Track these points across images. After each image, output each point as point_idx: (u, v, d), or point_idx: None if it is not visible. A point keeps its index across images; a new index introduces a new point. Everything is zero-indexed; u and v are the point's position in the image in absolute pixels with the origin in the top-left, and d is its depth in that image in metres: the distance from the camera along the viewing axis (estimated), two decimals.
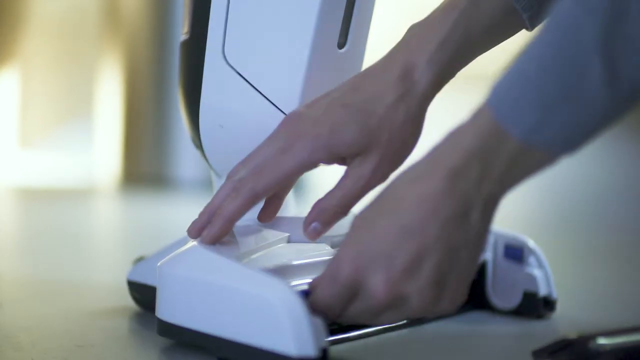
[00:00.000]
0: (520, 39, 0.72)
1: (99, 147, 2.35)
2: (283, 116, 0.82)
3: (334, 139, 0.77)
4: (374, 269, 0.68)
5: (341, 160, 0.79)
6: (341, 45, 0.85)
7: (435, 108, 0.84)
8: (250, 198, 0.77)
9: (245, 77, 0.83)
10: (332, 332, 0.79)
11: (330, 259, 0.71)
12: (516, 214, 1.75)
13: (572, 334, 0.73)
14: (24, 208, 1.83)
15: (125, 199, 1.96)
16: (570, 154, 0.66)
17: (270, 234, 0.82)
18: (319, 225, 0.79)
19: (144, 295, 0.90)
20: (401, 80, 0.78)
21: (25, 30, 2.41)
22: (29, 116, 2.43)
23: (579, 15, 0.62)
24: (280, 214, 0.84)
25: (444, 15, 0.79)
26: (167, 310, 0.76)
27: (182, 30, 0.88)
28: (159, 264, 0.77)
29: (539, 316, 0.92)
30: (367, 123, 0.77)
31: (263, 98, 0.83)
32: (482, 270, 0.93)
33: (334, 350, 0.78)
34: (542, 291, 0.92)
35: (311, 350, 0.68)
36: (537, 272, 0.92)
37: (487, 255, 0.93)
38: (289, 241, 0.83)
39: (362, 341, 0.82)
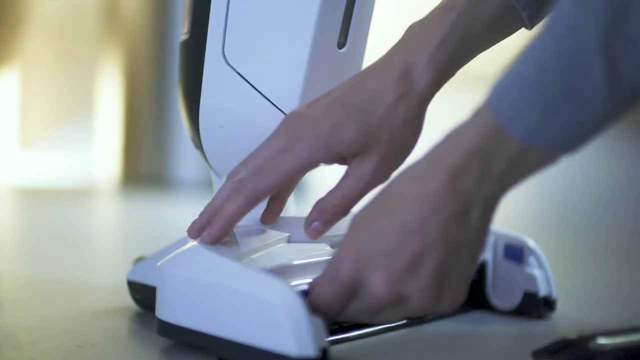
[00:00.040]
0: (520, 38, 0.72)
1: (99, 147, 2.35)
2: (283, 116, 0.82)
3: (334, 139, 0.77)
4: (374, 268, 0.68)
5: (341, 160, 0.79)
6: (341, 45, 0.85)
7: (435, 108, 0.84)
8: (251, 199, 0.77)
9: (245, 77, 0.83)
10: (332, 332, 0.79)
11: (330, 259, 0.71)
12: (516, 214, 1.75)
13: (572, 334, 0.73)
14: (24, 208, 1.83)
15: (125, 199, 1.96)
16: (570, 154, 0.66)
17: (270, 234, 0.82)
18: (320, 225, 0.79)
19: (144, 295, 0.90)
20: (401, 79, 0.78)
21: (25, 30, 2.41)
22: (29, 116, 2.43)
23: (580, 15, 0.62)
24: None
25: (443, 14, 0.79)
26: (167, 310, 0.76)
27: (182, 30, 0.88)
28: (159, 264, 0.77)
29: (539, 316, 0.92)
30: (367, 123, 0.77)
31: (263, 98, 0.83)
32: (482, 270, 0.93)
33: (334, 350, 0.78)
34: (542, 291, 0.92)
35: (311, 350, 0.68)
36: (537, 272, 0.92)
37: (487, 255, 0.93)
38: (289, 241, 0.83)
39: (362, 341, 0.82)
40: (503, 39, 0.82)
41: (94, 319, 0.90)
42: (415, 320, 0.87)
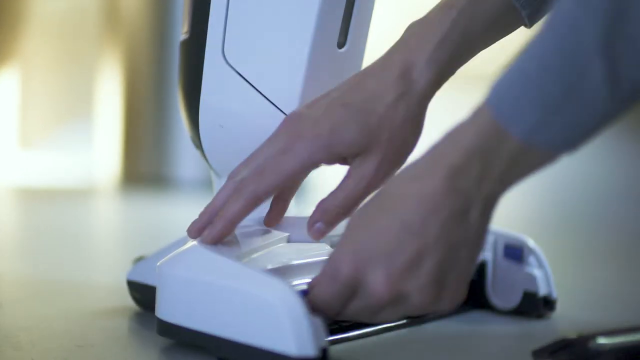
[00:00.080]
0: (519, 37, 0.72)
1: (99, 147, 2.35)
2: (283, 116, 0.82)
3: (334, 139, 0.77)
4: (374, 267, 0.68)
5: (342, 160, 0.79)
6: (341, 44, 0.85)
7: (435, 108, 0.84)
8: (252, 200, 0.77)
9: (245, 77, 0.83)
10: (332, 332, 0.79)
11: (327, 258, 0.71)
12: (516, 214, 1.75)
13: (572, 333, 0.73)
14: (24, 208, 1.83)
15: (125, 199, 1.96)
16: (570, 153, 0.66)
17: (270, 234, 0.82)
18: (323, 226, 0.79)
19: (143, 295, 0.90)
20: (401, 79, 0.78)
21: (25, 30, 2.41)
22: (29, 116, 2.43)
23: (580, 15, 0.62)
24: None
25: (442, 13, 0.79)
26: (167, 310, 0.76)
27: (182, 30, 0.88)
28: (158, 264, 0.77)
29: (539, 316, 0.92)
30: (367, 122, 0.77)
31: (263, 98, 0.83)
32: (482, 270, 0.93)
33: (334, 350, 0.78)
34: (542, 291, 0.92)
35: (311, 350, 0.68)
36: (537, 272, 0.92)
37: (487, 255, 0.93)
38: (288, 241, 0.83)
39: (362, 341, 0.82)
40: (503, 37, 0.82)
41: (94, 319, 0.90)
42: (415, 320, 0.87)
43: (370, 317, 0.71)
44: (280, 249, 0.81)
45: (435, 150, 0.68)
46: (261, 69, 0.83)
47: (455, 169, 0.66)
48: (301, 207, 0.87)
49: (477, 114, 0.66)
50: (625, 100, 0.63)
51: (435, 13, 0.80)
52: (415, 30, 0.80)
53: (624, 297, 1.09)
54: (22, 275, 1.13)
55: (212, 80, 0.84)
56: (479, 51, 0.81)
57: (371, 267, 0.68)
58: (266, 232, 0.83)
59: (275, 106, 0.83)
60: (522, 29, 0.82)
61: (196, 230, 0.79)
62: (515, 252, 0.92)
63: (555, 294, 0.92)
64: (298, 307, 0.68)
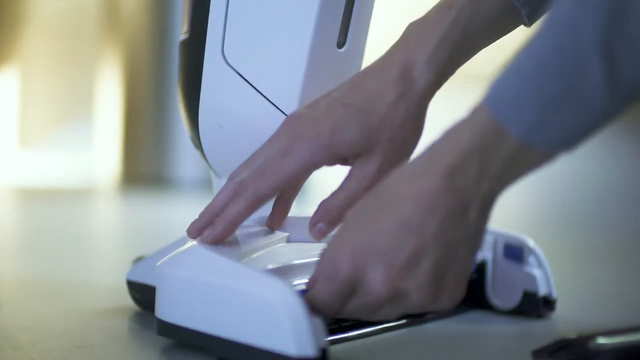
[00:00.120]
0: (520, 36, 0.72)
1: (99, 147, 2.35)
2: (283, 116, 0.82)
3: (334, 139, 0.77)
4: (373, 266, 0.68)
5: (343, 161, 0.79)
6: (341, 44, 0.85)
7: (436, 107, 0.84)
8: (254, 201, 0.77)
9: (245, 77, 0.83)
10: (332, 332, 0.79)
11: (322, 254, 0.71)
12: (516, 214, 1.75)
13: (572, 333, 0.73)
14: (24, 208, 1.83)
15: (125, 199, 1.96)
16: (568, 152, 0.66)
17: (270, 234, 0.82)
18: (324, 226, 0.79)
19: (143, 295, 0.90)
20: (401, 79, 0.78)
21: (25, 30, 2.41)
22: (29, 116, 2.43)
23: (579, 14, 0.62)
24: None
25: (442, 13, 0.79)
26: (167, 310, 0.76)
27: (181, 30, 0.88)
28: (158, 264, 0.77)
29: (539, 316, 0.92)
30: (368, 123, 0.77)
31: (263, 98, 0.83)
32: (481, 270, 0.93)
33: (334, 350, 0.78)
34: (542, 291, 0.92)
35: (311, 350, 0.68)
36: (536, 272, 0.92)
37: (487, 255, 0.93)
38: (288, 241, 0.83)
39: (361, 341, 0.82)
40: (502, 36, 0.82)
41: (94, 319, 0.90)
42: (415, 320, 0.87)
43: (369, 315, 0.71)
44: (280, 249, 0.81)
45: (433, 149, 0.68)
46: (261, 69, 0.83)
47: (454, 168, 0.66)
48: (301, 207, 0.86)
49: (476, 113, 0.66)
50: (624, 100, 0.63)
51: (435, 13, 0.80)
52: (415, 29, 0.80)
53: (624, 297, 1.09)
54: (22, 275, 1.13)
55: (212, 80, 0.84)
56: (478, 50, 0.81)
57: (370, 266, 0.68)
58: (266, 232, 0.83)
59: (275, 106, 0.83)
60: (521, 28, 0.82)
61: (196, 231, 0.79)
62: (515, 252, 0.92)
63: (555, 294, 0.92)
64: (298, 307, 0.68)
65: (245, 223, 0.81)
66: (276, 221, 0.83)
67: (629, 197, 2.20)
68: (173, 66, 2.02)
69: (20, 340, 0.81)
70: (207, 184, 1.69)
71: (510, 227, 0.96)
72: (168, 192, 1.98)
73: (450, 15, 0.79)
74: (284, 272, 0.77)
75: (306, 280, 0.74)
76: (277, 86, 0.83)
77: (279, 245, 0.82)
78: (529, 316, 0.92)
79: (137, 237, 1.53)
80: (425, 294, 0.68)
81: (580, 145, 0.65)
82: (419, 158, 0.69)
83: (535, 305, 0.92)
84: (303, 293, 0.71)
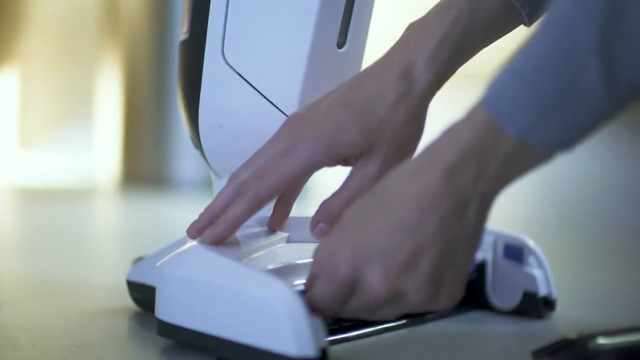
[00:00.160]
0: (520, 36, 0.72)
1: (99, 147, 2.35)
2: (283, 116, 0.82)
3: (335, 140, 0.77)
4: (372, 265, 0.68)
5: (344, 162, 0.79)
6: (340, 45, 0.85)
7: (436, 107, 0.84)
8: (255, 202, 0.77)
9: (245, 77, 0.83)
10: (332, 332, 0.79)
11: (315, 253, 0.71)
12: (516, 214, 1.75)
13: (572, 334, 0.73)
14: (24, 208, 1.83)
15: (125, 199, 1.96)
16: (566, 152, 0.66)
17: (270, 234, 0.82)
18: (325, 226, 0.79)
19: (143, 295, 0.90)
20: (401, 79, 0.78)
21: (25, 30, 2.41)
22: (29, 116, 2.43)
23: (576, 15, 0.62)
24: None
25: (442, 13, 0.79)
26: (167, 310, 0.76)
27: (181, 30, 0.88)
28: (158, 264, 0.77)
29: (539, 316, 0.92)
30: (368, 123, 0.77)
31: (262, 98, 0.83)
32: (482, 270, 0.93)
33: (334, 350, 0.78)
34: (542, 291, 0.92)
35: (311, 350, 0.68)
36: (536, 272, 0.92)
37: (487, 255, 0.93)
38: (288, 241, 0.83)
39: (361, 341, 0.82)
40: (502, 36, 0.82)
41: (93, 319, 0.90)
42: (415, 320, 0.87)
43: (369, 315, 0.71)
44: (280, 249, 0.81)
45: (431, 149, 0.68)
46: (261, 69, 0.83)
47: (452, 167, 0.66)
48: (301, 207, 0.86)
49: (474, 113, 0.66)
50: (622, 100, 0.63)
51: (435, 13, 0.80)
52: (415, 30, 0.80)
53: (624, 297, 1.09)
54: (22, 275, 1.13)
55: (212, 81, 0.84)
56: (478, 50, 0.81)
57: (369, 266, 0.68)
58: (266, 232, 0.83)
59: (275, 106, 0.83)
60: (521, 27, 0.82)
61: (196, 231, 0.79)
62: (515, 252, 0.92)
63: (555, 294, 0.92)
64: (298, 307, 0.68)
65: (246, 223, 0.81)
66: (277, 222, 0.83)
67: (629, 197, 2.20)
68: (173, 66, 2.02)
69: (20, 340, 0.81)
70: (207, 184, 1.69)
71: (510, 227, 0.96)
72: (168, 192, 1.98)
73: (451, 15, 0.79)
74: (284, 272, 0.77)
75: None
76: (277, 86, 0.83)
77: (279, 245, 0.82)
78: (529, 316, 0.92)
79: (137, 237, 1.52)
80: (424, 294, 0.68)
81: (577, 145, 0.65)
82: (417, 158, 0.69)
83: (535, 306, 0.92)
84: (303, 293, 0.71)
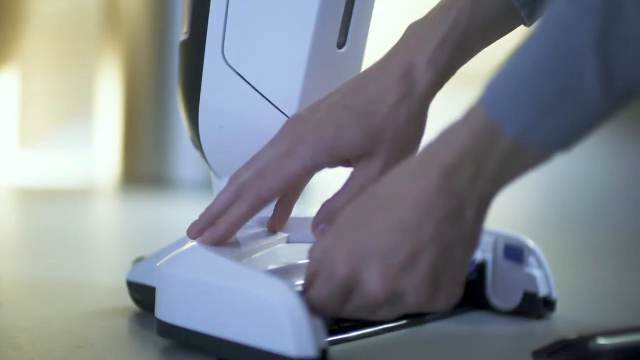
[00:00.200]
0: (520, 36, 0.72)
1: (99, 147, 2.35)
2: (282, 116, 0.82)
3: (336, 142, 0.77)
4: (369, 267, 0.67)
5: (345, 163, 0.79)
6: (341, 45, 0.85)
7: (437, 107, 0.84)
8: (255, 203, 0.77)
9: (245, 77, 0.83)
10: (332, 333, 0.79)
11: (310, 254, 0.71)
12: (516, 214, 1.75)
13: (571, 334, 0.73)
14: (24, 208, 1.83)
15: (125, 199, 1.96)
16: (563, 152, 0.66)
17: (270, 235, 0.82)
18: (327, 227, 0.79)
19: (143, 295, 0.90)
20: (402, 80, 0.78)
21: (25, 30, 2.41)
22: (29, 116, 2.43)
23: (573, 15, 0.62)
24: None
25: (442, 13, 0.79)
26: (167, 310, 0.76)
27: (181, 30, 0.88)
28: (158, 264, 0.77)
29: (539, 316, 0.92)
30: (370, 124, 0.77)
31: (262, 98, 0.83)
32: (482, 270, 0.93)
33: (334, 350, 0.78)
34: (542, 291, 0.92)
35: (311, 350, 0.68)
36: (536, 272, 0.92)
37: (487, 256, 0.93)
38: (288, 241, 0.83)
39: (361, 341, 0.82)
40: (503, 36, 0.82)
41: (93, 319, 0.90)
42: (416, 321, 0.87)
43: (368, 315, 0.71)
44: (280, 249, 0.81)
45: (429, 150, 0.68)
46: (261, 69, 0.83)
47: (449, 168, 0.66)
48: (301, 207, 0.86)
49: (471, 114, 0.66)
50: (619, 100, 0.63)
51: (436, 13, 0.80)
52: (415, 30, 0.80)
53: (624, 297, 1.09)
54: (22, 275, 1.13)
55: (212, 81, 0.84)
56: (479, 51, 0.81)
57: (367, 267, 0.68)
58: (266, 232, 0.83)
59: (275, 106, 0.83)
60: (522, 27, 0.82)
61: (196, 231, 0.78)
62: (515, 253, 0.92)
63: (555, 294, 0.92)
64: (298, 308, 0.68)
65: (247, 223, 0.81)
66: (277, 224, 0.83)
67: (629, 197, 2.20)
68: (173, 66, 2.02)
69: (20, 340, 0.81)
70: (207, 184, 1.69)
71: (510, 227, 0.96)
72: (168, 192, 1.98)
73: (451, 15, 0.79)
74: (284, 272, 0.77)
75: None
76: (277, 86, 0.83)
77: (279, 245, 0.82)
78: (529, 316, 0.92)
79: (137, 237, 1.52)
80: (422, 295, 0.68)
81: (575, 145, 0.65)
82: (415, 158, 0.69)
83: (535, 306, 0.92)
84: (303, 293, 0.71)
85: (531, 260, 0.92)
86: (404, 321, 0.86)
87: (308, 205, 0.81)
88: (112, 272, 1.14)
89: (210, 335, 0.72)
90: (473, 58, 0.82)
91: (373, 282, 0.67)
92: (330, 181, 1.01)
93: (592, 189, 2.34)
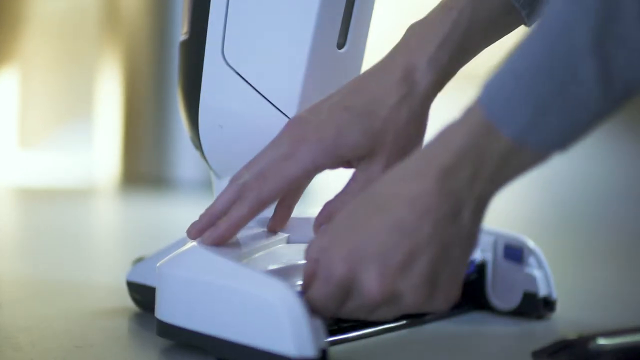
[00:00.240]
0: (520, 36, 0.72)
1: (99, 147, 2.35)
2: (283, 117, 0.82)
3: (338, 143, 0.77)
4: (367, 268, 0.67)
5: (346, 164, 0.79)
6: (341, 45, 0.85)
7: (438, 107, 0.84)
8: (256, 205, 0.77)
9: (245, 77, 0.83)
10: (332, 333, 0.79)
11: (307, 255, 0.71)
12: (516, 214, 1.75)
13: (571, 334, 0.73)
14: (24, 208, 1.83)
15: (125, 199, 1.96)
16: (561, 153, 0.66)
17: (270, 235, 0.82)
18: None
19: (143, 295, 0.90)
20: (402, 81, 0.78)
21: (25, 30, 2.41)
22: (29, 116, 2.43)
23: (571, 15, 0.62)
24: None
25: (443, 14, 0.79)
26: (167, 310, 0.76)
27: (181, 30, 0.88)
28: (158, 265, 0.77)
29: (539, 316, 0.92)
30: (371, 125, 0.77)
31: (262, 98, 0.83)
32: (482, 270, 0.93)
33: (334, 350, 0.78)
34: (542, 291, 0.92)
35: (311, 350, 0.68)
36: (537, 273, 0.92)
37: (487, 256, 0.93)
38: (288, 242, 0.83)
39: (361, 342, 0.82)
40: (503, 36, 0.82)
41: (93, 319, 0.90)
42: (416, 321, 0.87)
43: (367, 315, 0.71)
44: (280, 249, 0.81)
45: (426, 151, 0.68)
46: (261, 69, 0.83)
47: (447, 169, 0.66)
48: (301, 207, 0.87)
49: (469, 114, 0.66)
50: (617, 100, 0.63)
51: (436, 14, 0.80)
52: (416, 31, 0.80)
53: (624, 297, 1.09)
54: (22, 275, 1.13)
55: (212, 81, 0.84)
56: (479, 51, 0.81)
57: (364, 268, 0.68)
58: (266, 233, 0.83)
59: (275, 106, 0.83)
60: (522, 28, 0.82)
61: (196, 232, 0.78)
62: (515, 253, 0.92)
63: (555, 294, 0.92)
64: (298, 308, 0.68)
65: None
66: (278, 225, 0.83)
67: (629, 197, 2.20)
68: (173, 66, 2.02)
69: (20, 340, 0.81)
70: (207, 185, 1.69)
71: (510, 227, 0.96)
72: (168, 192, 1.98)
73: (451, 16, 0.79)
74: (284, 272, 0.77)
75: None
76: (277, 87, 0.83)
77: (279, 246, 0.82)
78: (529, 317, 0.92)
79: (137, 237, 1.53)
80: (420, 295, 0.68)
81: (573, 145, 0.65)
82: (412, 159, 0.69)
83: (535, 306, 0.92)
84: (303, 294, 0.71)
85: (531, 260, 0.92)
86: (404, 321, 0.86)
87: (309, 206, 0.81)
88: (112, 272, 1.14)
89: (210, 335, 0.72)
90: (474, 58, 0.82)
91: (371, 283, 0.67)
92: (331, 182, 1.01)
93: (592, 189, 2.34)
